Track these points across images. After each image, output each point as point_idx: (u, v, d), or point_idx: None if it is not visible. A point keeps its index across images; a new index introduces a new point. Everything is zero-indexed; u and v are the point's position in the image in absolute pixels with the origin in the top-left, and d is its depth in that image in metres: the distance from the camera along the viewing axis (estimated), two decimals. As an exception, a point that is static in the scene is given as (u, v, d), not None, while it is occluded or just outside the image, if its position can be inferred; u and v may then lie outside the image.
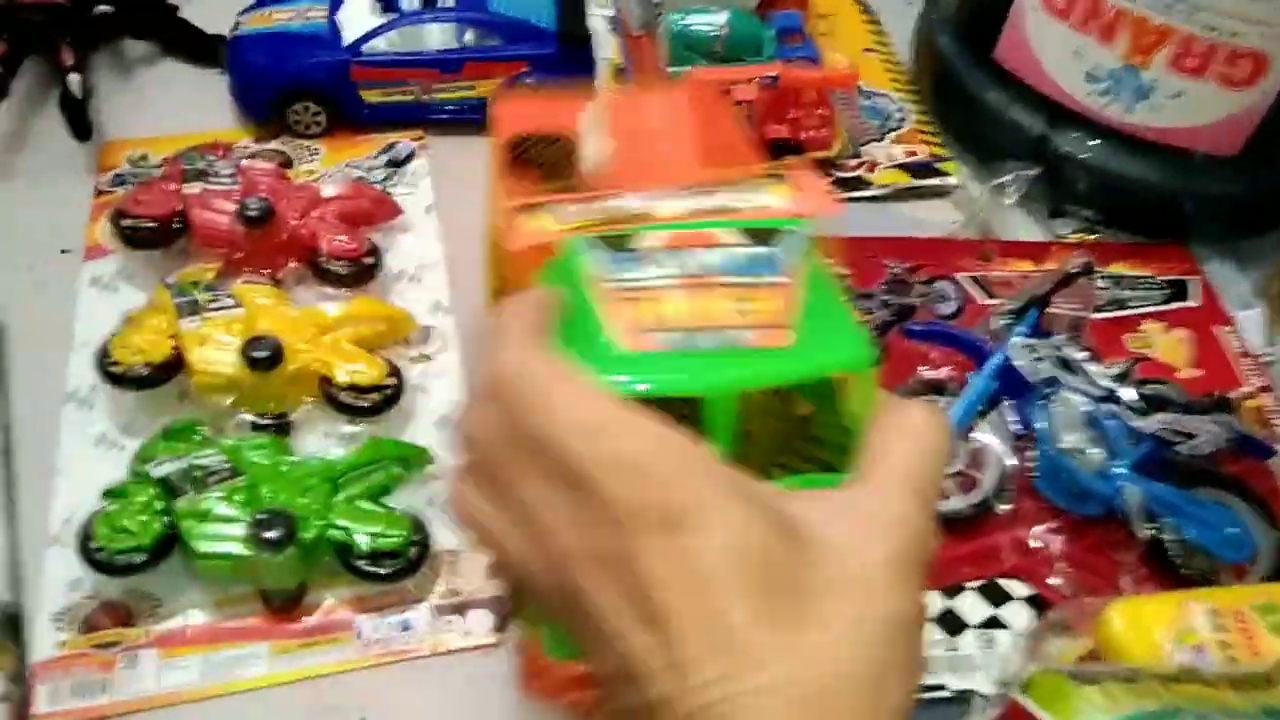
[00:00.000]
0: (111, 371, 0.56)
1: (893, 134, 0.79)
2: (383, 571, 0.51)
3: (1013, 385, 0.58)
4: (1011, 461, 0.58)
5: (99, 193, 0.70)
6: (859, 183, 0.75)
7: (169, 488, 0.51)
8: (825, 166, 0.76)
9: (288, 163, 0.72)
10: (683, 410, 0.31)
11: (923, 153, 0.78)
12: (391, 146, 0.74)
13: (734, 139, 0.59)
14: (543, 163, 0.56)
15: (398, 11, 0.74)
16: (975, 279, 0.69)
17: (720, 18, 0.76)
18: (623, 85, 0.77)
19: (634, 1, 0.86)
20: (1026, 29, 0.71)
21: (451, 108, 0.74)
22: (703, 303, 0.33)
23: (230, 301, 0.58)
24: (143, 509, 0.50)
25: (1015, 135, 0.73)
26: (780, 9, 0.82)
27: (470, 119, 0.73)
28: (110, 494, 0.52)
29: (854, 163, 0.76)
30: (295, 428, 0.58)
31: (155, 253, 0.64)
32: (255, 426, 0.57)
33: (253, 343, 0.56)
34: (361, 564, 0.51)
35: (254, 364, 0.55)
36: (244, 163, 0.67)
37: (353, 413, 0.57)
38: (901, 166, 0.77)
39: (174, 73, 0.79)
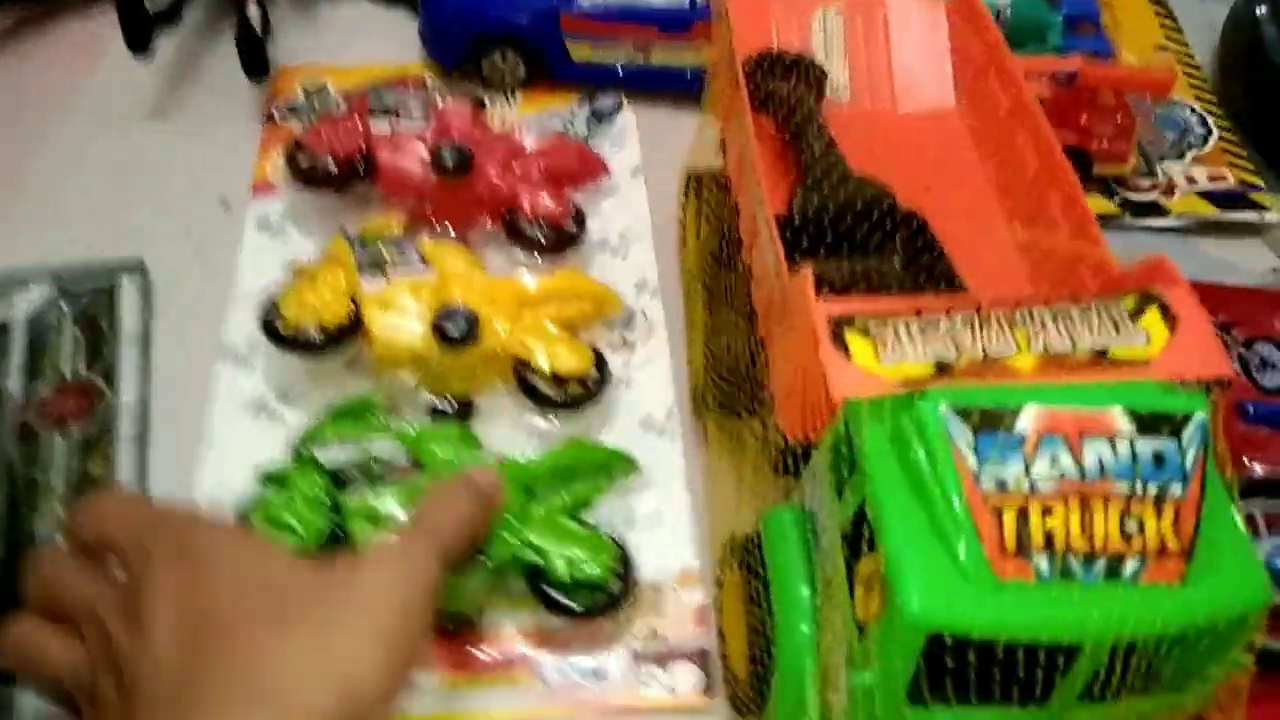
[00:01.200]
0: (278, 331, 0.48)
1: (1193, 152, 0.66)
2: (578, 608, 0.42)
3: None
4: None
5: (269, 120, 0.62)
6: (1153, 209, 0.63)
7: (337, 478, 0.43)
8: (1116, 185, 0.63)
9: (480, 104, 0.63)
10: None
11: (1231, 178, 0.65)
12: (595, 96, 0.64)
13: (1006, 62, 0.49)
14: (781, 98, 0.49)
15: (620, -51, 0.64)
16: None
17: (1004, -4, 0.65)
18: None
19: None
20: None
21: (669, 73, 0.64)
22: (1085, 520, 0.30)
23: (419, 263, 0.50)
24: (307, 503, 0.42)
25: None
26: (1068, -10, 0.70)
27: (689, 88, 0.59)
28: (270, 479, 0.44)
29: (1148, 183, 0.64)
30: (478, 415, 0.49)
31: (330, 195, 0.56)
32: (434, 410, 0.48)
33: (445, 315, 0.47)
34: (555, 594, 0.42)
35: (446, 340, 0.47)
36: (439, 101, 0.58)
37: (550, 405, 0.48)
38: (1205, 195, 0.64)
39: (357, 10, 0.71)
